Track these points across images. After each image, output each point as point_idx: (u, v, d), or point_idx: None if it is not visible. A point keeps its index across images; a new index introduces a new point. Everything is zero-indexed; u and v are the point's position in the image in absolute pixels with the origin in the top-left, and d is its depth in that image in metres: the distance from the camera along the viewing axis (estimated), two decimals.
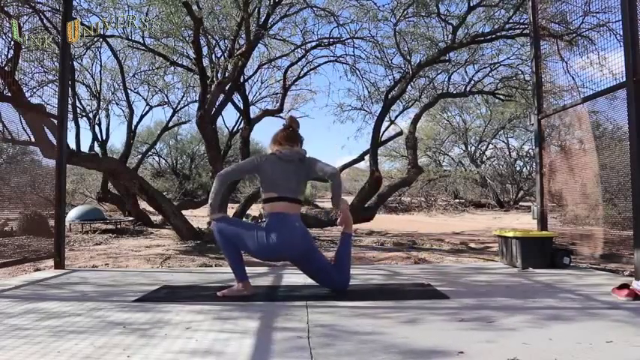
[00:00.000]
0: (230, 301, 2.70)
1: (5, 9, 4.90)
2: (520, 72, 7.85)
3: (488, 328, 2.11)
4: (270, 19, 6.87)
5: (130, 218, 9.58)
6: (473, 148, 20.35)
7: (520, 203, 19.19)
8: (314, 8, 7.24)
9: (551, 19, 4.69)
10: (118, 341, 1.93)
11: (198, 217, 10.11)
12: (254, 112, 8.90)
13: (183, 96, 10.54)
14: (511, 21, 6.69)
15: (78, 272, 3.96)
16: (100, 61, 9.11)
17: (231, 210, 7.42)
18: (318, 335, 2.01)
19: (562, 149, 4.65)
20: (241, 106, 8.18)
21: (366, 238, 7.32)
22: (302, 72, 8.67)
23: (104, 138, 10.47)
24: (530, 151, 17.96)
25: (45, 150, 4.88)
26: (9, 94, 4.54)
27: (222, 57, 7.38)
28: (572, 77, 4.43)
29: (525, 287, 3.12)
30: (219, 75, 6.76)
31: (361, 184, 9.50)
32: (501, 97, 8.89)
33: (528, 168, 19.26)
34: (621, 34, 3.33)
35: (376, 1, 7.15)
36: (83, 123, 9.46)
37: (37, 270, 4.23)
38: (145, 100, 10.72)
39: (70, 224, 8.37)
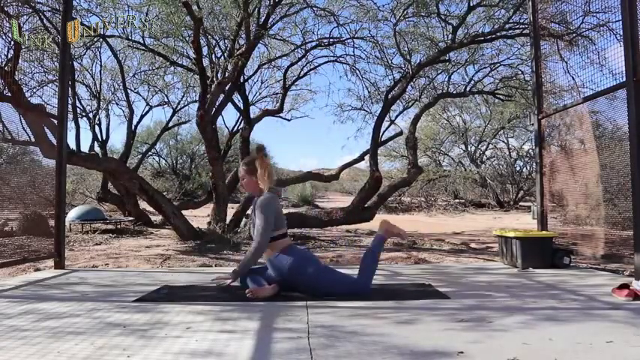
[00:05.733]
0: (230, 302, 2.70)
1: (5, 9, 4.90)
2: (520, 72, 7.86)
3: (488, 328, 2.11)
4: (270, 19, 6.86)
5: (130, 218, 9.56)
6: (473, 148, 20.31)
7: (520, 203, 19.16)
8: (314, 8, 7.24)
9: (551, 19, 4.69)
10: (117, 342, 1.93)
11: (198, 217, 10.09)
12: (254, 112, 8.91)
13: (183, 96, 10.54)
14: (511, 21, 6.68)
15: (78, 272, 3.96)
16: (100, 61, 9.12)
17: (232, 209, 7.40)
18: (318, 336, 2.01)
19: (562, 149, 4.65)
20: (241, 106, 8.18)
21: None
22: (302, 72, 8.67)
23: (104, 138, 10.46)
24: (530, 151, 17.92)
25: (45, 150, 4.87)
26: (9, 94, 4.53)
27: (222, 57, 7.38)
28: (572, 77, 4.43)
29: (525, 287, 3.12)
30: (219, 75, 6.76)
31: (361, 184, 9.49)
32: (501, 97, 8.89)
33: (528, 168, 19.23)
34: (621, 34, 3.33)
35: (376, 1, 7.16)
36: (83, 123, 9.46)
37: (37, 270, 4.22)
38: (145, 100, 10.72)
39: (70, 224, 8.36)
